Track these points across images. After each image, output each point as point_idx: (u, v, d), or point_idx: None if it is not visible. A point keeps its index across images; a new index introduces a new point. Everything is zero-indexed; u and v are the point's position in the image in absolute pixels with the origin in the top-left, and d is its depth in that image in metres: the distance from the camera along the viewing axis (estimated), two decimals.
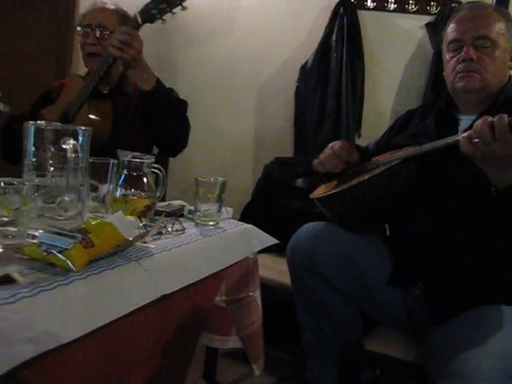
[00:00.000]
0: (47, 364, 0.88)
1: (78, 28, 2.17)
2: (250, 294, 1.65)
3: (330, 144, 1.80)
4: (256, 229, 1.64)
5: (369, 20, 3.00)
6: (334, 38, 2.98)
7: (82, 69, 2.75)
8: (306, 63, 3.06)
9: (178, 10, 1.86)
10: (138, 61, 1.92)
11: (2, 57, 3.52)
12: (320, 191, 1.79)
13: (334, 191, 1.69)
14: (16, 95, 2.96)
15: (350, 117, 2.98)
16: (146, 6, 1.89)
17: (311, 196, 1.79)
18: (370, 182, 1.61)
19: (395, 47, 2.97)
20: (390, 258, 1.67)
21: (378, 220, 1.75)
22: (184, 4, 1.85)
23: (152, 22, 1.90)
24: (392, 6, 2.95)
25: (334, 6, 2.99)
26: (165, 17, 1.88)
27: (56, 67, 3.38)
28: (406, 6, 2.93)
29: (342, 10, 2.98)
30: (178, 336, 1.31)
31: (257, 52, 3.19)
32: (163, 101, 2.01)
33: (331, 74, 2.99)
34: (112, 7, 2.19)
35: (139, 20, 1.90)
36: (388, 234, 1.84)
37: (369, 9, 2.99)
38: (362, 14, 2.99)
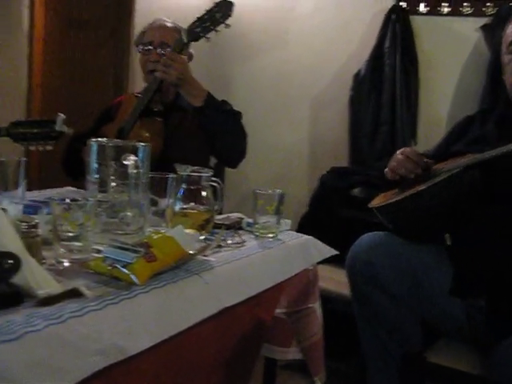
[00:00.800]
0: (114, 375, 0.90)
1: (140, 46, 2.23)
2: (310, 305, 1.63)
3: (399, 151, 1.77)
4: (315, 240, 1.63)
5: (422, 25, 2.96)
6: (386, 44, 2.95)
7: (138, 87, 2.82)
8: (359, 71, 3.04)
9: (221, 27, 1.91)
10: (183, 80, 1.97)
11: (64, 78, 3.64)
12: (378, 200, 1.77)
13: (393, 200, 1.66)
14: (77, 114, 3.06)
15: (405, 124, 2.93)
16: (192, 25, 1.95)
17: (370, 205, 1.77)
18: (430, 191, 1.58)
19: (450, 52, 2.92)
20: (451, 268, 1.63)
21: (438, 229, 1.71)
22: (227, 22, 1.90)
23: (197, 40, 1.96)
24: (446, 10, 2.90)
25: (385, 12, 2.96)
26: (209, 35, 1.94)
27: (114, 86, 3.47)
28: (461, 9, 2.87)
29: (394, 16, 2.95)
30: (239, 348, 1.32)
31: (309, 62, 3.19)
32: (216, 114, 2.03)
33: (385, 81, 2.96)
34: (170, 24, 2.24)
35: (185, 39, 1.96)
36: (448, 242, 1.80)
37: (422, 14, 2.95)
38: (414, 19, 2.95)
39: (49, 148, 1.90)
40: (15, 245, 0.94)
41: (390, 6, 2.95)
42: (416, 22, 2.95)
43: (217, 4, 1.91)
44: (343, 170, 2.95)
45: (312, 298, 1.64)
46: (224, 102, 2.16)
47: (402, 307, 1.66)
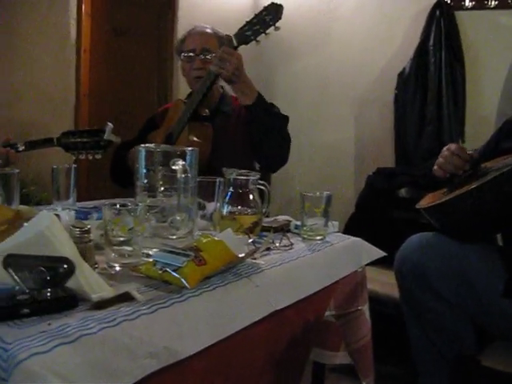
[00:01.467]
0: (165, 377, 0.91)
1: (182, 54, 2.25)
2: (359, 308, 1.62)
3: (445, 147, 1.74)
4: (363, 242, 1.62)
5: (467, 20, 2.90)
6: (431, 42, 2.91)
7: (182, 95, 2.84)
8: (403, 70, 3.00)
9: (271, 30, 1.92)
10: (238, 76, 1.97)
11: (110, 87, 3.70)
12: (427, 201, 1.74)
13: (441, 200, 1.63)
14: (123, 122, 3.11)
15: (452, 122, 2.88)
16: (241, 28, 1.96)
17: (418, 206, 1.74)
18: (480, 190, 1.54)
19: (497, 46, 2.85)
20: (504, 269, 1.59)
21: (489, 229, 1.68)
22: (277, 24, 1.90)
23: (247, 43, 1.96)
24: (493, 3, 2.83)
25: (429, 9, 2.92)
26: (258, 38, 1.94)
27: (158, 93, 3.51)
28: (509, 1, 2.79)
29: (438, 12, 2.90)
30: (289, 351, 1.32)
31: (353, 62, 3.17)
32: (264, 115, 2.04)
33: (430, 79, 2.92)
34: (209, 30, 2.25)
35: (235, 42, 1.97)
36: (500, 243, 1.75)
37: (467, 9, 2.89)
38: (459, 14, 2.90)
39: (98, 157, 1.95)
40: (69, 250, 0.97)
41: (433, 2, 2.90)
42: (461, 17, 2.90)
43: (266, 7, 1.91)
44: (389, 170, 2.92)
45: (361, 300, 1.63)
46: (272, 105, 2.17)
47: (453, 309, 1.63)
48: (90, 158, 1.94)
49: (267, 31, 1.91)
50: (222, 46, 2.14)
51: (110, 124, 1.92)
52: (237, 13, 3.28)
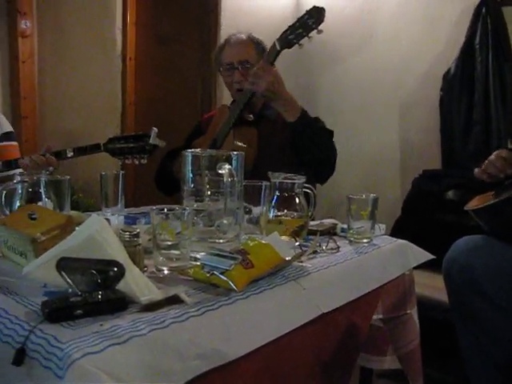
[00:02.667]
0: (213, 379, 0.92)
1: (220, 68, 2.26)
2: (408, 311, 1.60)
3: (495, 152, 1.71)
4: (411, 244, 1.60)
5: None
6: (477, 40, 2.85)
7: (226, 101, 2.86)
8: (448, 71, 2.95)
9: (313, 33, 1.91)
10: (276, 93, 1.96)
11: (155, 94, 3.76)
12: (475, 203, 1.71)
13: (490, 202, 1.61)
14: (167, 129, 3.15)
15: (500, 123, 2.81)
16: (284, 33, 1.96)
17: (466, 208, 1.71)
18: None
19: None
20: None
21: None
22: (319, 28, 1.89)
23: (290, 47, 1.96)
24: None
25: (475, 7, 2.86)
26: (301, 41, 1.94)
27: (201, 100, 3.54)
28: None
29: (484, 10, 2.83)
30: (336, 355, 1.31)
31: (396, 63, 3.13)
32: (308, 132, 2.02)
33: (477, 79, 2.86)
34: (245, 38, 2.25)
35: (278, 47, 1.96)
36: None
37: None
38: (508, 10, 2.80)
39: (144, 161, 1.98)
40: (119, 253, 0.99)
41: (479, 0, 2.83)
42: (509, 13, 2.81)
43: (308, 11, 1.91)
44: (436, 172, 2.88)
45: (409, 303, 1.61)
46: (317, 119, 2.16)
47: (505, 313, 1.59)
48: (136, 162, 1.98)
49: (310, 34, 1.91)
50: (259, 52, 2.18)
51: (154, 128, 1.95)
52: (279, 18, 3.29)
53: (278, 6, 3.45)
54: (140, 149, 1.96)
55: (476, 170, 1.72)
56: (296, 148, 2.05)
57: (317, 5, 1.90)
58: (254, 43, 2.23)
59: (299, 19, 1.93)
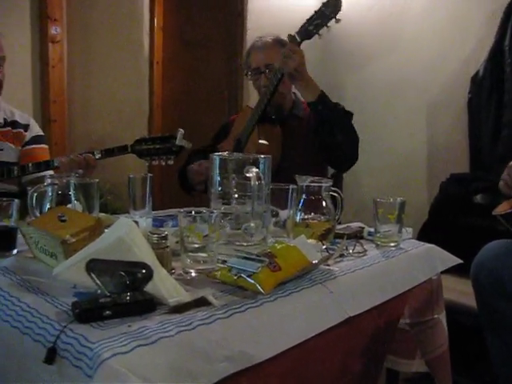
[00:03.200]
0: (240, 381, 0.92)
1: (248, 73, 2.31)
2: (435, 316, 1.59)
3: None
4: (438, 249, 1.58)
5: None
6: (506, 42, 2.80)
7: (252, 104, 2.87)
8: (476, 73, 2.91)
9: (332, 23, 1.97)
10: (300, 73, 2.03)
11: (181, 97, 3.79)
12: (504, 207, 1.69)
13: None
14: (194, 131, 3.17)
15: None
16: (303, 25, 2.02)
17: (494, 213, 1.69)
18: None
19: None
20: None
21: None
22: (337, 17, 1.94)
23: (309, 38, 2.02)
24: None
25: (504, 8, 2.81)
26: (321, 31, 1.99)
27: (228, 103, 3.56)
28: None
29: None
30: (363, 358, 1.30)
31: (424, 65, 3.10)
32: (328, 111, 2.07)
33: (506, 81, 2.82)
34: (271, 41, 2.28)
35: (298, 39, 2.02)
36: None
37: None
38: None
39: (170, 162, 2.00)
40: (147, 256, 1.00)
41: (509, 0, 2.79)
42: None
43: (324, 3, 1.96)
44: (463, 176, 2.84)
45: (437, 308, 1.59)
46: (336, 104, 2.18)
47: None
48: (163, 163, 2.00)
49: (328, 24, 1.96)
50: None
51: (181, 130, 1.97)
52: (304, 20, 3.28)
53: (303, 8, 3.44)
54: (166, 150, 1.98)
55: (501, 183, 1.70)
56: (316, 131, 2.09)
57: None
58: (281, 44, 2.26)
59: (316, 11, 1.98)
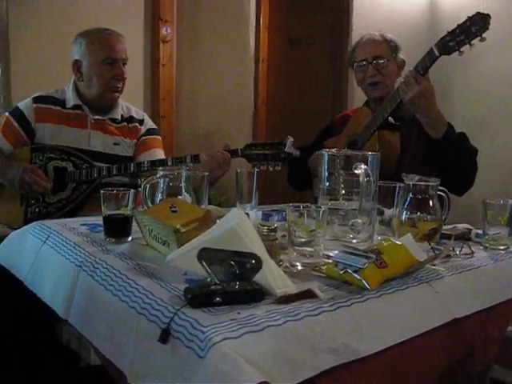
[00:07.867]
0: (341, 374, 0.93)
1: (355, 65, 2.28)
2: None
3: None
4: None
5: None
6: None
7: (357, 103, 2.85)
8: None
9: (476, 41, 1.81)
10: (425, 107, 1.90)
11: (286, 95, 3.83)
12: None
13: None
14: (298, 128, 3.20)
15: None
16: (443, 38, 1.87)
17: None
18: None
19: None
20: None
21: None
22: (483, 35, 1.79)
23: (449, 54, 1.87)
24: None
25: None
26: (462, 48, 1.84)
27: (332, 102, 3.55)
28: None
29: None
30: (465, 363, 1.27)
31: None
32: (452, 150, 1.96)
33: None
34: (379, 37, 2.25)
35: (436, 53, 1.88)
36: None
37: None
38: None
39: (278, 168, 2.05)
40: (257, 246, 1.03)
41: None
42: None
43: (470, 18, 1.80)
44: None
45: None
46: (462, 136, 2.08)
47: None
48: (271, 169, 2.04)
49: (472, 42, 1.81)
50: (392, 49, 2.21)
51: (290, 137, 2.00)
52: (410, 18, 3.22)
53: (410, 6, 3.37)
54: (275, 156, 2.02)
55: None
56: (437, 164, 1.97)
57: (481, 11, 1.78)
58: (387, 41, 2.24)
59: (460, 25, 1.82)
